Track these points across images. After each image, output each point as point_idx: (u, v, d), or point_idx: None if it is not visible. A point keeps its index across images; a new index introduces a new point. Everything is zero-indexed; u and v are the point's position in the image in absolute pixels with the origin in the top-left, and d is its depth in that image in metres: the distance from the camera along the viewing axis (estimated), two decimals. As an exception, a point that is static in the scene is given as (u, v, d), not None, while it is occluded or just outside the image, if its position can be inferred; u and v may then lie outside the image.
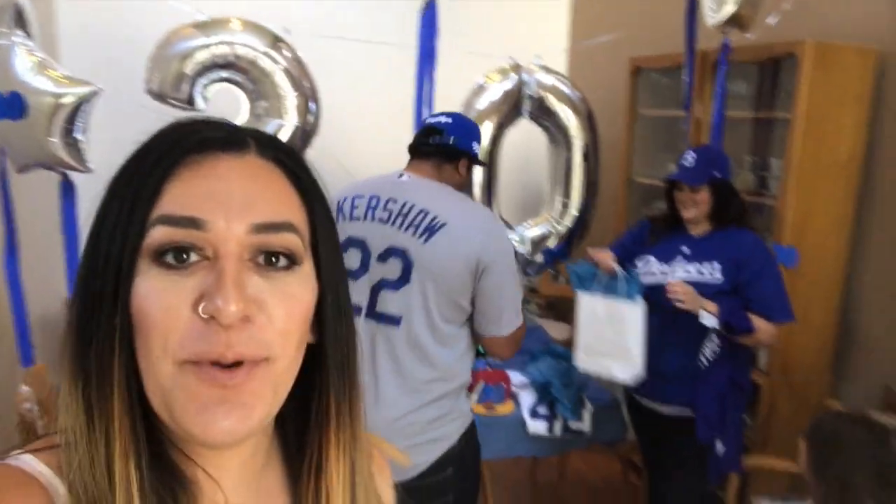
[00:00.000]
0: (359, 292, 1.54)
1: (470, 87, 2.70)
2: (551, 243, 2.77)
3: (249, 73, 2.16)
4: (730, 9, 2.26)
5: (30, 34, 1.61)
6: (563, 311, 4.13)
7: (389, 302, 1.52)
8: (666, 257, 2.10)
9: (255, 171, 0.49)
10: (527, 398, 2.38)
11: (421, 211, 1.53)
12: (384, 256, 1.53)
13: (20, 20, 1.61)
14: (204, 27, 2.10)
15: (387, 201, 1.57)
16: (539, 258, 2.78)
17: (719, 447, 2.03)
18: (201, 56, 2.08)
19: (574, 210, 2.85)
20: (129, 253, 0.45)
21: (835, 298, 2.64)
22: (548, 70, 2.75)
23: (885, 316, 2.55)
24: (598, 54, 3.93)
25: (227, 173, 0.47)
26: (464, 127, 1.69)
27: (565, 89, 2.74)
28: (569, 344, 3.77)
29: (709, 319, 1.92)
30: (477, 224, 1.56)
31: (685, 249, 2.09)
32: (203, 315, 0.45)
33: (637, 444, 2.45)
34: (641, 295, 2.05)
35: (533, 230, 2.80)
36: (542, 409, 2.33)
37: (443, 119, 1.68)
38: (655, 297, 2.08)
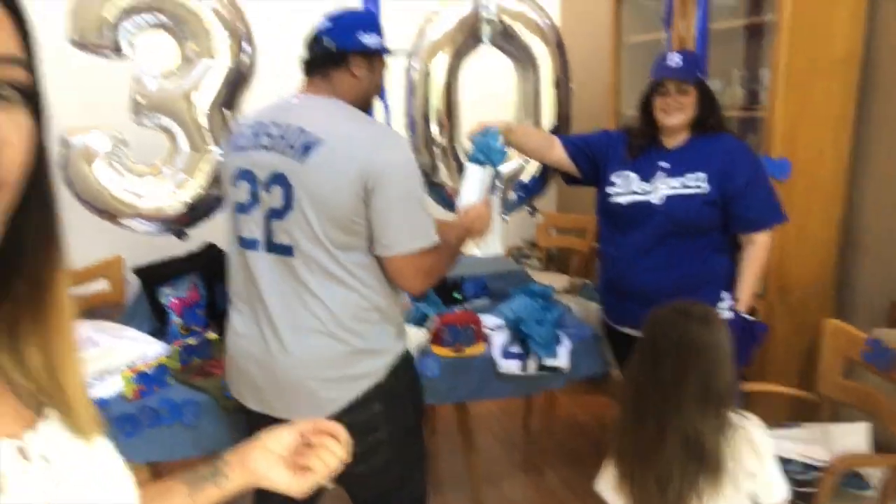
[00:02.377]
0: (255, 226, 1.47)
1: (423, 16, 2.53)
2: (525, 177, 2.59)
3: (174, 14, 2.06)
4: None
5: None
6: (564, 262, 3.96)
7: (280, 232, 1.44)
8: (646, 174, 1.97)
9: None
10: (499, 338, 2.24)
11: (297, 129, 1.41)
12: (268, 185, 1.44)
13: None
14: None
15: (270, 126, 1.48)
16: (513, 195, 2.62)
17: None
18: (122, 1, 2.01)
19: (548, 142, 2.65)
20: None
21: (835, 208, 2.40)
22: (509, -6, 2.55)
23: (891, 221, 2.30)
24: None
25: None
26: (343, 22, 1.49)
27: (532, 14, 2.55)
28: (569, 292, 3.61)
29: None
30: (360, 137, 1.41)
31: (664, 164, 1.96)
32: None
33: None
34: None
35: (504, 166, 2.63)
36: (515, 348, 2.18)
37: (321, 24, 1.49)
38: (637, 217, 1.97)
